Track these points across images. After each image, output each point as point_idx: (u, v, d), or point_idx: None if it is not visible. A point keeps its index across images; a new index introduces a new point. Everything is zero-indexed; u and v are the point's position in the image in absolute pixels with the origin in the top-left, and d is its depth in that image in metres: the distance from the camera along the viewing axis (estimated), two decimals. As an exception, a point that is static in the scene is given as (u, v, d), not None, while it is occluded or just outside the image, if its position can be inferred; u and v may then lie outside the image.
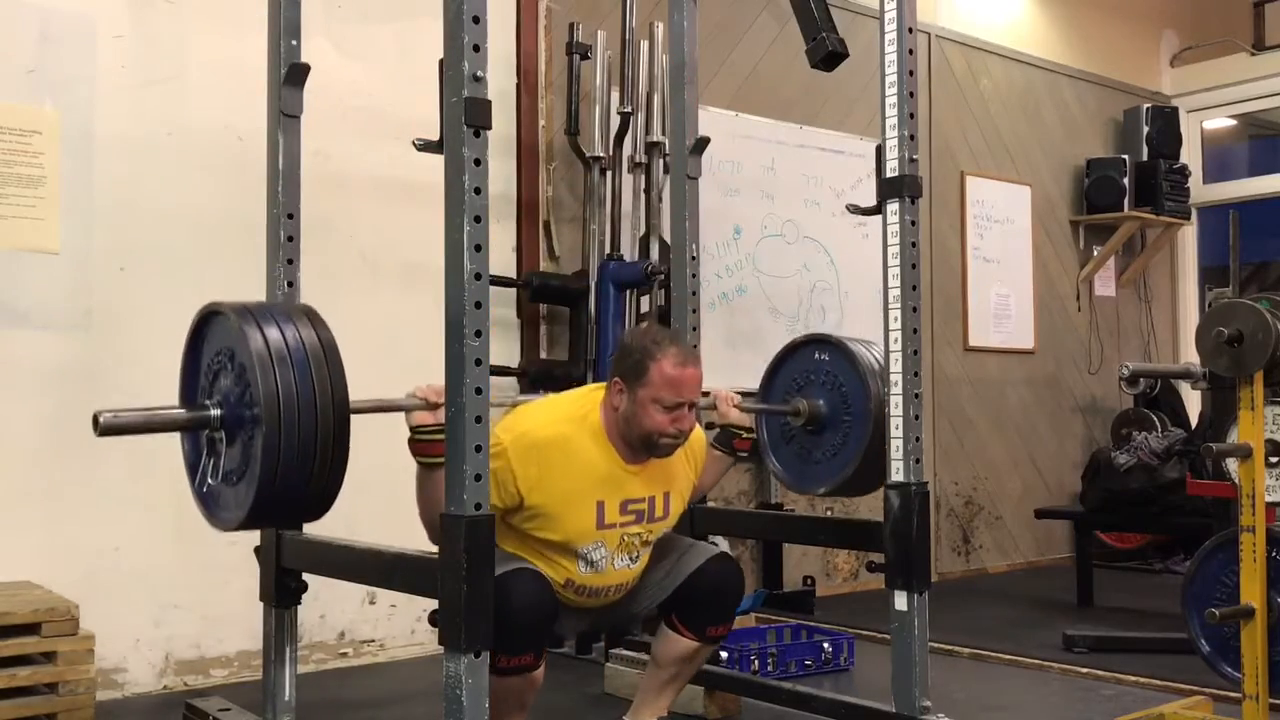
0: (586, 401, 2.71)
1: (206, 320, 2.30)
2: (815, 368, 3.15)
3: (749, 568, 4.99)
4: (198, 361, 2.32)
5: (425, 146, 2.25)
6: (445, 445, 2.10)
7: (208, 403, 2.24)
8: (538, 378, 4.27)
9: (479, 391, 2.04)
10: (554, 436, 2.59)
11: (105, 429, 2.08)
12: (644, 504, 2.69)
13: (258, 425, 2.07)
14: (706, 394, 2.90)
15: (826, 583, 5.29)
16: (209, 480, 2.26)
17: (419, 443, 2.36)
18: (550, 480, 2.54)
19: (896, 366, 2.73)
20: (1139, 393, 6.19)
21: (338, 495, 2.21)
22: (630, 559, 2.71)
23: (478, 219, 2.04)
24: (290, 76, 2.77)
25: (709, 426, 3.04)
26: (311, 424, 2.09)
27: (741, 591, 2.93)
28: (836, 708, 2.94)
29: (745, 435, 2.99)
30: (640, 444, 2.61)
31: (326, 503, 2.21)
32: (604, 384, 2.70)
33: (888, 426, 2.75)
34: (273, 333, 2.11)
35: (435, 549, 2.17)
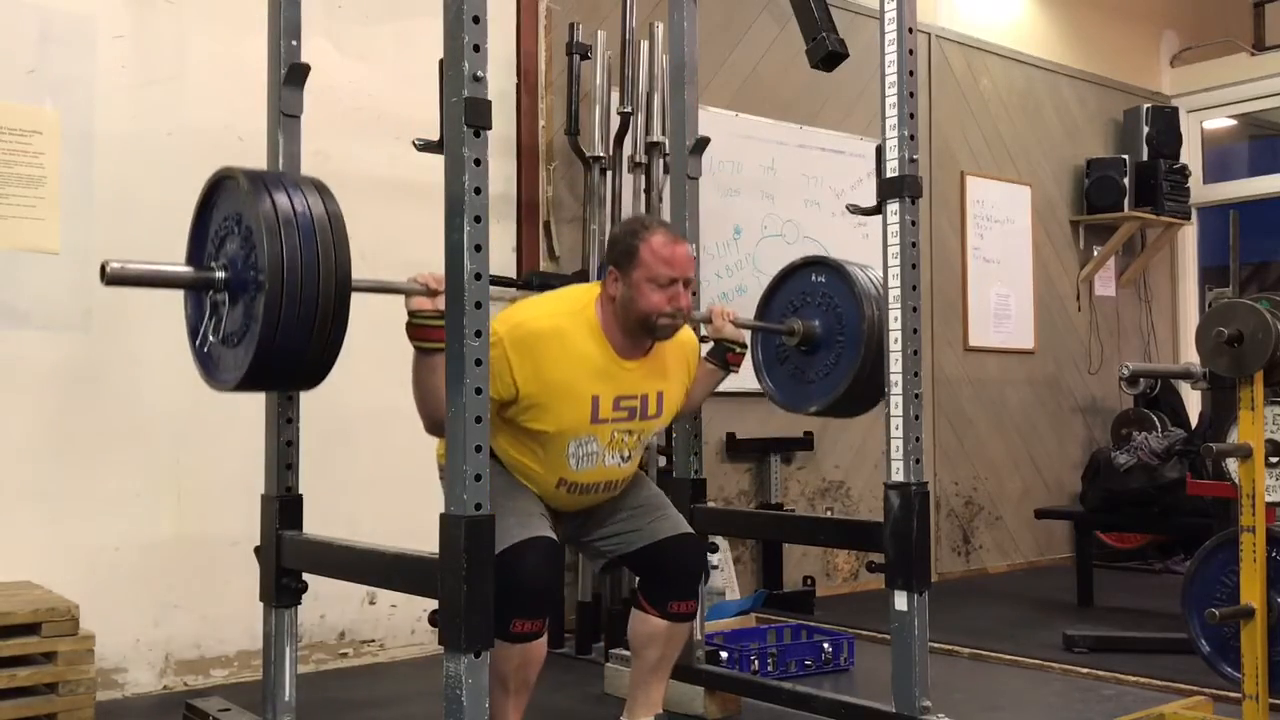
0: (583, 297, 2.74)
1: (218, 185, 2.33)
2: (812, 289, 3.18)
3: (749, 568, 4.99)
4: (206, 225, 2.36)
5: (425, 146, 2.26)
6: (442, 331, 2.14)
7: (213, 265, 2.29)
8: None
9: (479, 392, 2.04)
10: (550, 328, 2.62)
11: (112, 278, 2.15)
12: (637, 401, 2.72)
13: (260, 289, 2.12)
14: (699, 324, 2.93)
15: (826, 583, 5.29)
16: (210, 340, 2.31)
17: (416, 327, 2.40)
18: (545, 371, 2.57)
19: (896, 366, 2.73)
20: (1139, 393, 6.19)
21: (331, 368, 2.24)
22: (622, 458, 2.73)
23: (478, 219, 2.05)
24: (290, 76, 2.77)
25: (703, 340, 3.06)
26: (313, 291, 2.13)
27: (702, 567, 2.97)
28: (836, 708, 2.94)
29: (738, 350, 3.03)
30: (639, 327, 2.64)
31: (323, 370, 2.25)
32: (601, 282, 2.74)
33: (888, 423, 2.75)
34: (281, 199, 2.15)
35: (435, 550, 2.17)
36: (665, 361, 2.79)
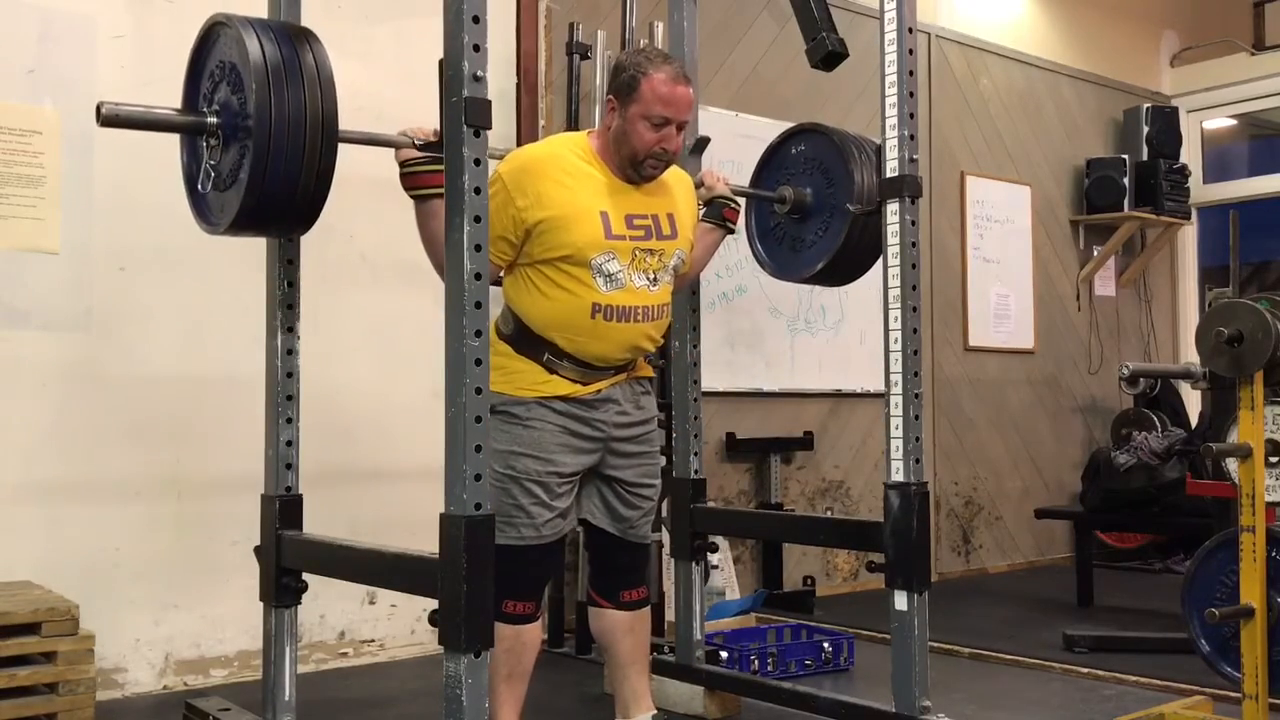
0: (577, 134, 2.80)
1: (213, 30, 2.36)
2: (803, 157, 3.22)
3: (749, 568, 4.99)
4: (200, 71, 2.40)
5: (425, 146, 2.26)
6: (437, 176, 2.21)
7: (206, 110, 2.34)
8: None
9: (479, 392, 2.04)
10: (547, 154, 2.67)
11: (106, 119, 2.19)
12: (649, 220, 2.71)
13: (249, 138, 2.18)
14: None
15: (826, 583, 5.29)
16: (201, 185, 2.37)
17: (408, 175, 2.45)
18: (549, 194, 2.58)
19: (896, 366, 2.73)
20: (1139, 393, 6.19)
21: (318, 216, 2.31)
22: (649, 279, 2.70)
23: (478, 219, 2.05)
24: (290, 76, 2.77)
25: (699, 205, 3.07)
26: (300, 143, 2.19)
27: (646, 558, 2.95)
28: (836, 708, 2.94)
29: (734, 205, 3.07)
30: (628, 163, 2.65)
31: (307, 220, 2.33)
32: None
33: (888, 423, 2.75)
34: (270, 47, 2.21)
35: (435, 551, 2.17)
36: (668, 188, 2.79)
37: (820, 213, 3.17)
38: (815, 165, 3.18)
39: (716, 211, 3.04)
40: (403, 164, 2.45)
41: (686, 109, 2.65)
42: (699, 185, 3.04)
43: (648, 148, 2.62)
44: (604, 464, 2.75)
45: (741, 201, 3.15)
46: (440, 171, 2.16)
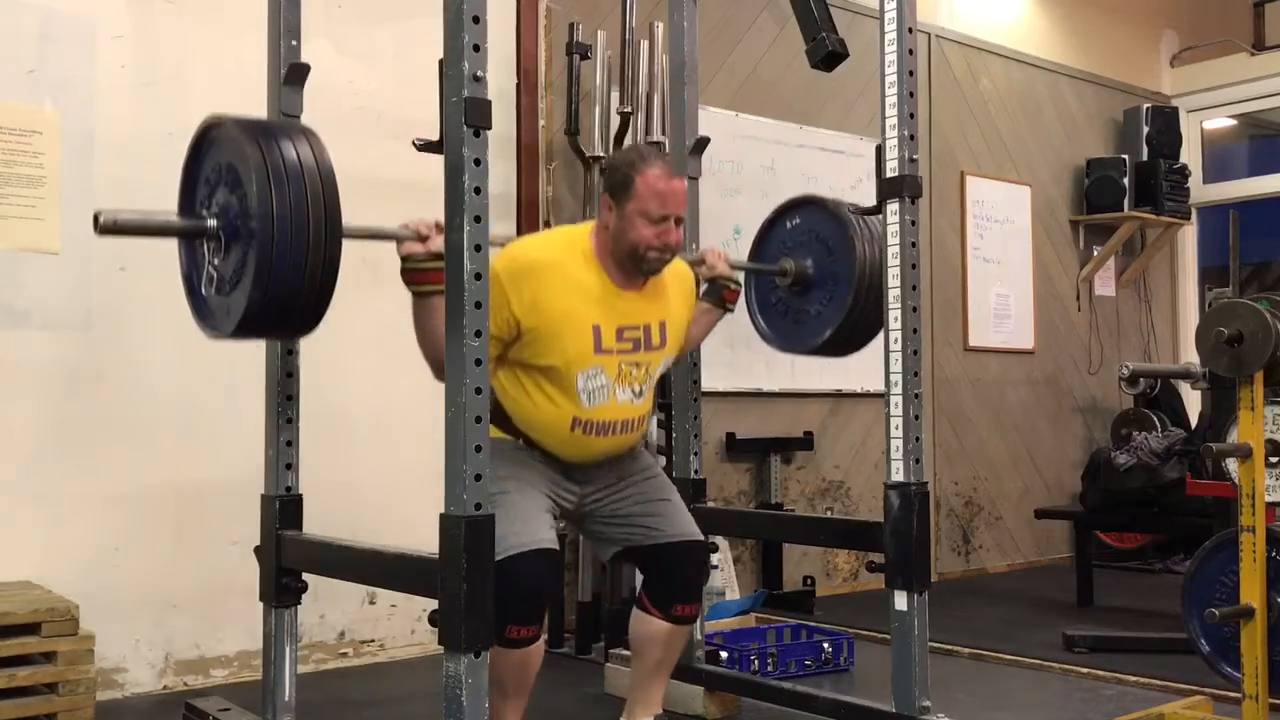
0: (579, 231, 2.76)
1: (208, 133, 2.33)
2: (804, 229, 3.19)
3: (749, 567, 4.99)
4: (196, 174, 2.36)
5: (425, 146, 2.26)
6: (437, 274, 2.18)
7: (205, 213, 2.30)
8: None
9: (479, 391, 2.04)
10: (546, 259, 2.63)
11: (104, 228, 2.15)
12: (640, 331, 2.71)
13: (252, 238, 2.13)
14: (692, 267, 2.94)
15: (826, 583, 5.29)
16: (203, 290, 2.32)
17: (410, 272, 2.42)
18: (544, 301, 2.57)
19: (896, 366, 2.73)
20: (1139, 393, 6.19)
21: (324, 314, 2.25)
22: (633, 393, 2.71)
23: (478, 219, 2.05)
24: (290, 76, 2.77)
25: (697, 283, 3.06)
26: (304, 241, 2.14)
27: (705, 572, 2.97)
28: (836, 708, 2.94)
29: (734, 287, 3.05)
30: (628, 259, 2.64)
31: (313, 319, 2.26)
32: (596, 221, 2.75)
33: (888, 423, 2.75)
34: (271, 149, 2.16)
35: (435, 551, 2.17)
36: (665, 292, 2.78)
37: (823, 284, 3.12)
38: (813, 236, 3.15)
39: (716, 293, 3.03)
40: (405, 258, 2.42)
41: (683, 203, 2.66)
42: (699, 263, 3.03)
43: (647, 243, 2.61)
44: (597, 511, 2.79)
45: (742, 279, 3.12)
46: (443, 269, 2.12)
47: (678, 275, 2.84)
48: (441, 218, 2.13)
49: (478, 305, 2.04)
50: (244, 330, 2.23)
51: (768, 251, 3.28)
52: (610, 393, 2.66)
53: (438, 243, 2.29)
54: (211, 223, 2.26)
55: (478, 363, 2.04)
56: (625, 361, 2.68)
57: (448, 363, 2.07)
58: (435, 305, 2.24)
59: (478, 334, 2.04)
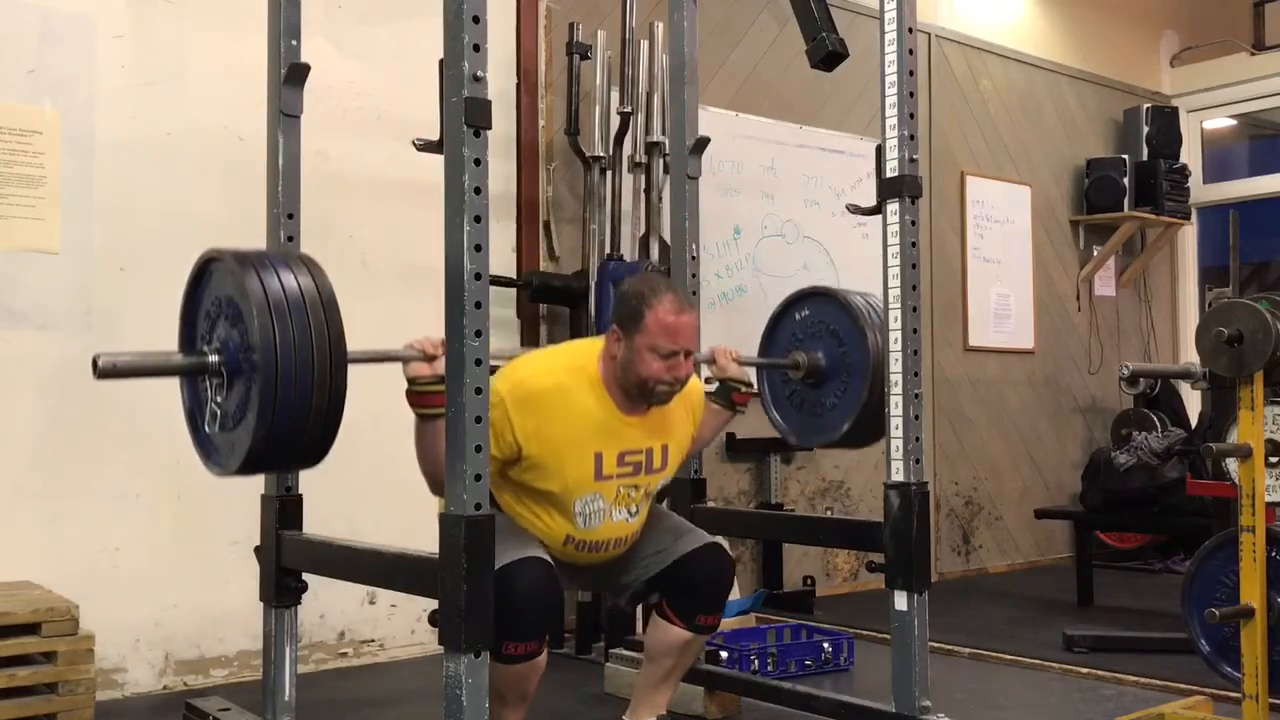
0: (584, 352, 2.72)
1: (206, 267, 2.30)
2: (814, 321, 3.16)
3: (749, 567, 4.99)
4: (196, 308, 2.33)
5: (425, 146, 2.26)
6: (442, 397, 2.13)
7: (206, 349, 2.25)
8: (538, 378, 4.27)
9: (479, 392, 2.04)
10: (551, 386, 2.59)
11: (103, 372, 2.08)
12: (642, 455, 2.69)
13: (255, 372, 2.08)
14: (700, 365, 2.91)
15: (826, 583, 5.29)
16: (207, 426, 2.27)
17: (416, 394, 2.36)
18: (547, 430, 2.55)
19: (896, 366, 2.73)
20: (1139, 393, 6.19)
21: (333, 443, 2.21)
22: (629, 513, 2.71)
23: (478, 219, 2.05)
24: (290, 76, 2.77)
25: (707, 381, 3.05)
26: (308, 372, 2.09)
27: (730, 581, 2.93)
28: (836, 708, 2.94)
29: (744, 389, 3.01)
30: (637, 392, 2.62)
31: (322, 450, 2.22)
32: (602, 336, 2.71)
33: (888, 424, 2.75)
34: (271, 280, 2.11)
35: (435, 551, 2.17)
36: (669, 414, 2.75)
37: (836, 376, 3.09)
38: (824, 328, 3.12)
39: (726, 394, 2.99)
40: (411, 380, 2.36)
41: (693, 337, 2.64)
42: (709, 362, 3.01)
43: (657, 377, 2.58)
44: (603, 573, 2.80)
45: (753, 381, 3.09)
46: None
47: (684, 393, 2.77)
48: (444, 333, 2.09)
49: (478, 305, 2.04)
50: (249, 468, 2.20)
51: (779, 341, 3.24)
52: (606, 515, 2.67)
53: (443, 364, 2.21)
54: (213, 358, 2.20)
55: (478, 363, 2.04)
56: (624, 485, 2.67)
57: (447, 362, 2.07)
58: (440, 428, 2.16)
59: (478, 334, 2.04)
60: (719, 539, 2.84)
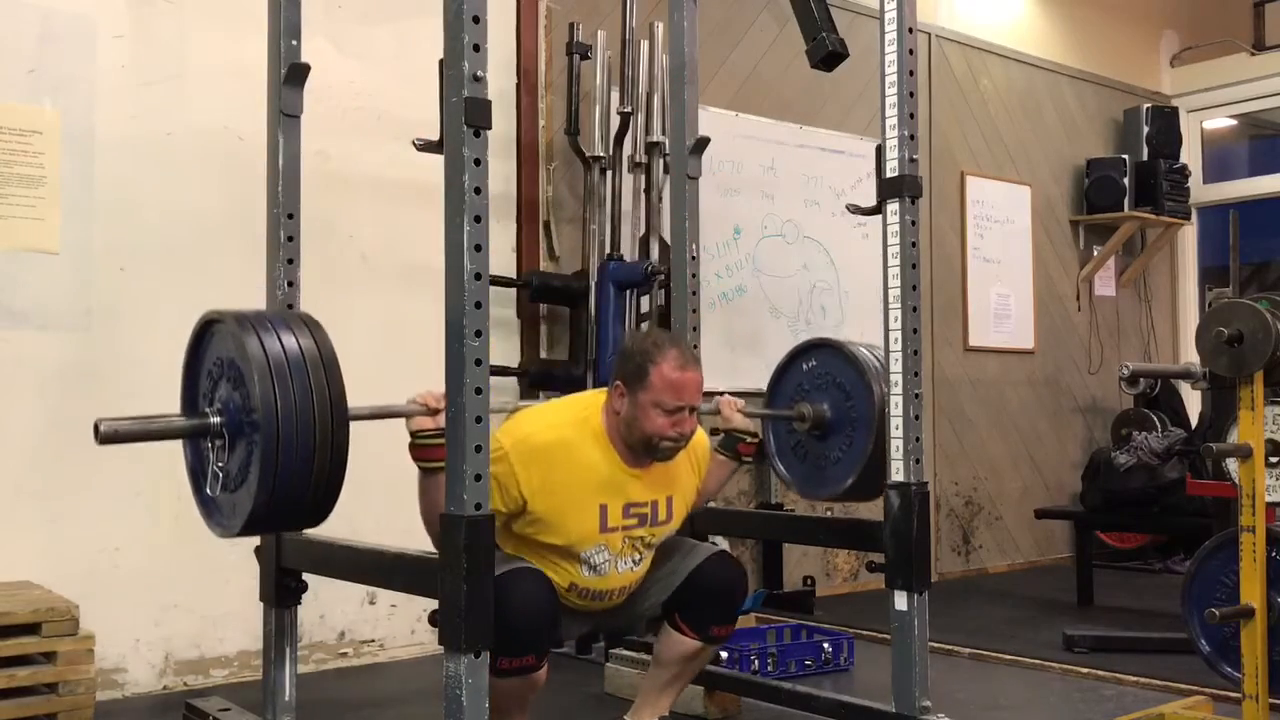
0: (588, 405, 2.71)
1: (206, 328, 2.30)
2: (820, 372, 3.15)
3: (749, 568, 4.99)
4: (198, 369, 2.32)
5: (425, 146, 2.25)
6: (446, 450, 2.10)
7: (208, 410, 2.25)
8: (538, 378, 4.27)
9: (479, 392, 2.04)
10: (556, 440, 2.59)
11: (105, 438, 2.10)
12: (647, 508, 2.69)
13: (257, 433, 2.08)
14: (709, 396, 2.90)
15: (826, 583, 5.29)
16: (209, 488, 2.27)
17: (419, 447, 2.35)
18: (553, 484, 2.54)
19: (896, 366, 2.73)
20: (1139, 393, 6.19)
21: (336, 502, 2.21)
22: (633, 562, 2.71)
23: (478, 219, 2.05)
24: (290, 76, 2.77)
25: (714, 432, 3.04)
26: (310, 433, 2.10)
27: (745, 591, 2.92)
28: (836, 708, 2.94)
29: (749, 440, 2.99)
30: (641, 447, 2.61)
31: (325, 510, 2.22)
32: (605, 389, 2.70)
33: (888, 426, 2.75)
34: (271, 342, 2.12)
35: (434, 550, 2.18)
36: (673, 467, 2.74)
37: (841, 429, 3.07)
38: (829, 380, 3.11)
39: (731, 445, 2.97)
40: (414, 434, 2.35)
41: (698, 394, 2.63)
42: (713, 413, 2.99)
43: (661, 433, 2.58)
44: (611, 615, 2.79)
45: (759, 432, 3.07)
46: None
47: (689, 446, 2.76)
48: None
49: (478, 305, 2.04)
50: (252, 528, 2.20)
51: (784, 392, 3.23)
52: (612, 566, 2.67)
53: (445, 418, 2.18)
54: (215, 420, 2.21)
55: (478, 363, 2.04)
56: (629, 536, 2.67)
57: (448, 362, 2.07)
58: (443, 482, 2.14)
59: (478, 334, 2.04)
60: (717, 548, 2.84)
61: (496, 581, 2.23)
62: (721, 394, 3.08)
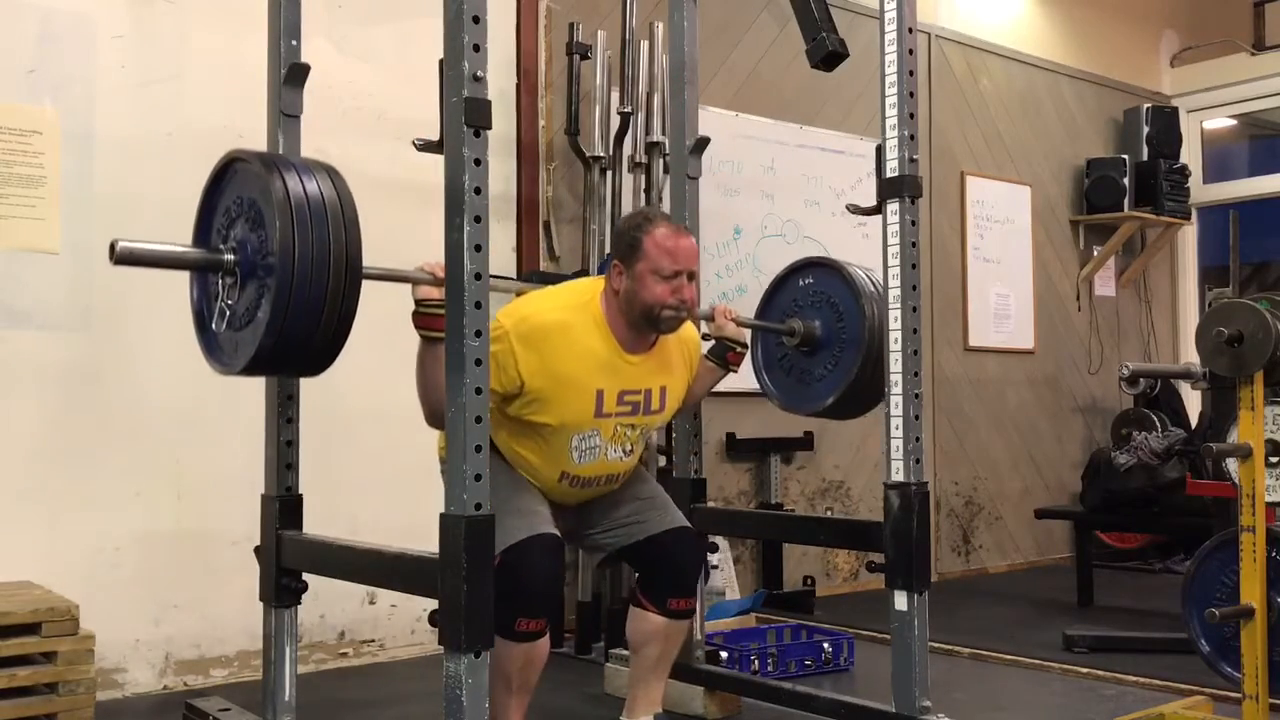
0: (588, 290, 2.75)
1: (228, 166, 2.30)
2: (812, 289, 3.18)
3: (749, 567, 4.99)
4: (214, 207, 2.33)
5: (425, 146, 2.25)
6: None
7: (222, 247, 2.26)
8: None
9: (479, 391, 2.04)
10: (555, 322, 2.62)
11: (120, 257, 2.10)
12: (640, 396, 2.73)
13: (270, 276, 2.09)
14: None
15: (826, 583, 5.29)
16: (214, 324, 2.28)
17: (423, 315, 2.37)
18: (550, 365, 2.57)
19: (896, 366, 2.73)
20: (1139, 393, 6.19)
21: (337, 356, 2.21)
22: (624, 451, 2.75)
23: (478, 219, 2.04)
24: (290, 76, 2.77)
25: (705, 337, 3.06)
26: (324, 281, 2.10)
27: (699, 565, 2.97)
28: (836, 708, 2.94)
29: (739, 350, 3.04)
30: (644, 321, 2.65)
31: (326, 360, 2.22)
32: (603, 276, 2.75)
33: (888, 423, 2.75)
34: (293, 182, 2.12)
35: (435, 550, 2.17)
36: (669, 356, 2.80)
37: (830, 347, 3.10)
38: (824, 299, 3.13)
39: (720, 353, 3.01)
40: (419, 302, 2.37)
41: (693, 258, 2.68)
42: (708, 319, 3.03)
43: (661, 301, 2.62)
44: (588, 522, 2.84)
45: (748, 341, 3.10)
46: None
47: (682, 340, 2.84)
48: None
49: (478, 306, 2.04)
50: (254, 368, 2.20)
51: (777, 306, 3.25)
52: (602, 452, 2.71)
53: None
54: (228, 257, 2.23)
55: (478, 363, 2.03)
56: (621, 424, 2.72)
57: (448, 362, 2.07)
58: (442, 354, 2.16)
59: (478, 334, 2.04)
60: (685, 523, 2.87)
61: (515, 548, 2.36)
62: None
